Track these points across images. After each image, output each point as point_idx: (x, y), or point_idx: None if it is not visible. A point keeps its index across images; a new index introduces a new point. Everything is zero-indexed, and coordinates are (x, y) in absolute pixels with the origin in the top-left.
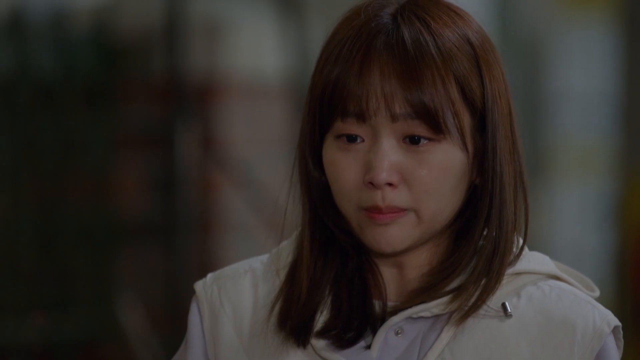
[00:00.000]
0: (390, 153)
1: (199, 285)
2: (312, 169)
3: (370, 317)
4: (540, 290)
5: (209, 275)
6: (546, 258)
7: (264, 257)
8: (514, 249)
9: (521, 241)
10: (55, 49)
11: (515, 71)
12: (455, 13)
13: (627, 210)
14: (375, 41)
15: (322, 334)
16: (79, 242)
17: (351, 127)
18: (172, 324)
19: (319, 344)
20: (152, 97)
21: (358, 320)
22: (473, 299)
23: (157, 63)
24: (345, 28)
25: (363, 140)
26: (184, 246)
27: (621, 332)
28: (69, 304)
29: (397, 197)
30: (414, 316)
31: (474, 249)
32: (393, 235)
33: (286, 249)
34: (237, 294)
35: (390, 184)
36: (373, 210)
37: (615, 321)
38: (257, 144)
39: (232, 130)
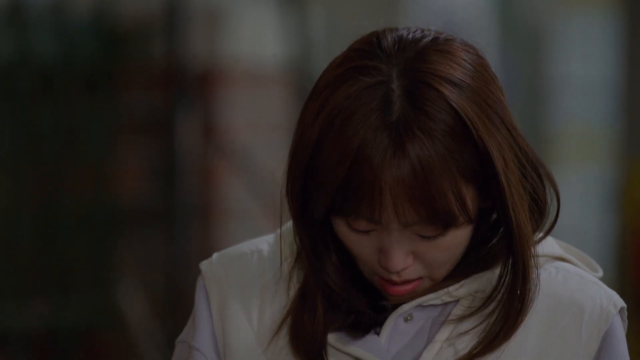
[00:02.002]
0: (404, 244)
1: (205, 265)
2: (317, 233)
3: (381, 308)
4: (546, 273)
5: (215, 255)
6: (550, 239)
7: (270, 238)
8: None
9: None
10: (55, 35)
11: (517, 58)
12: (450, 78)
13: (628, 196)
14: (383, 166)
15: (334, 329)
16: (80, 229)
17: (362, 225)
18: (173, 311)
19: (331, 337)
20: (152, 83)
21: (368, 314)
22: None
23: (158, 50)
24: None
25: (374, 229)
26: (184, 233)
27: (626, 313)
28: (70, 290)
29: (411, 273)
30: (424, 304)
31: (487, 257)
32: (405, 294)
33: (292, 231)
34: (245, 275)
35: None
36: (386, 284)
37: (621, 302)
38: (257, 130)
39: (233, 117)
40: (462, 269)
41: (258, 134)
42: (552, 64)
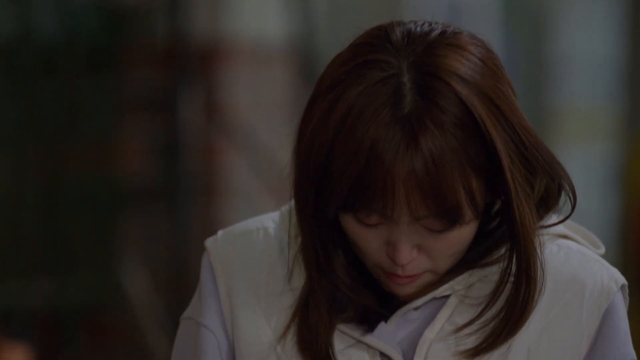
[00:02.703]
0: (411, 237)
1: (210, 242)
2: (325, 225)
3: (390, 304)
4: (548, 250)
5: (220, 232)
6: (553, 217)
7: (275, 215)
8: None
9: (554, 218)
10: (58, 13)
11: (520, 37)
12: (460, 72)
13: (630, 174)
14: (396, 159)
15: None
16: (83, 208)
17: (372, 219)
18: (176, 289)
19: (341, 326)
20: (155, 62)
21: (376, 310)
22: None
23: (161, 27)
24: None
25: (382, 222)
26: (187, 211)
27: (627, 290)
28: (73, 269)
29: (416, 266)
30: (437, 296)
31: (496, 245)
32: (411, 289)
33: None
34: (251, 252)
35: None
36: (392, 276)
37: (622, 279)
38: (260, 108)
39: (236, 95)
40: (466, 261)
41: (261, 112)
42: (555, 44)
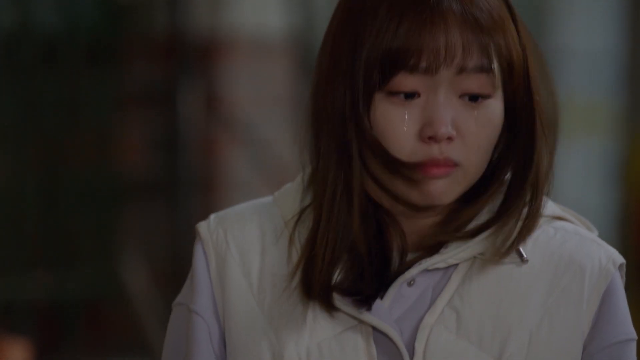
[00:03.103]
0: (450, 108)
1: (202, 227)
2: (368, 125)
3: (387, 271)
4: (545, 233)
5: (212, 217)
6: (548, 200)
7: (267, 200)
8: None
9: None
10: (58, 7)
11: None
12: None
13: (630, 169)
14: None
15: (341, 291)
16: (83, 201)
17: (415, 82)
18: (175, 282)
19: (337, 301)
20: (155, 55)
21: (377, 281)
22: (496, 245)
23: (161, 20)
24: None
25: (419, 96)
26: (187, 204)
27: (624, 269)
28: (73, 262)
29: (453, 150)
30: (430, 268)
31: (492, 193)
32: (444, 188)
33: (291, 194)
34: (244, 237)
35: (448, 138)
36: (429, 164)
37: (620, 258)
38: (260, 102)
39: (236, 89)
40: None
41: (261, 106)
42: (555, 38)
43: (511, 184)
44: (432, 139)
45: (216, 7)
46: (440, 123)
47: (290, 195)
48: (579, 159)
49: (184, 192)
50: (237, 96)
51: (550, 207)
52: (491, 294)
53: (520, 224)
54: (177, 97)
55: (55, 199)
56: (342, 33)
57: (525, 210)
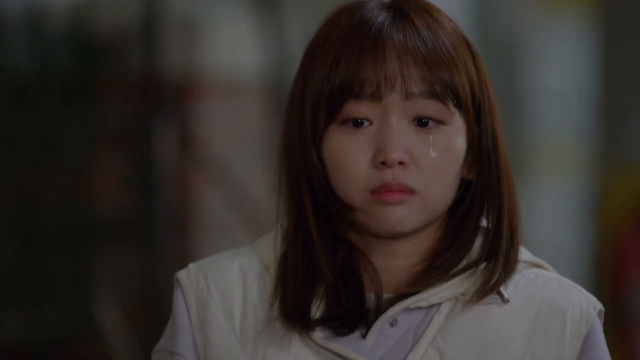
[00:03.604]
0: (402, 134)
1: (182, 275)
2: (316, 159)
3: (365, 309)
4: (525, 278)
5: (191, 265)
6: (522, 248)
7: (245, 250)
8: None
9: (525, 251)
10: (32, 46)
11: (492, 70)
12: (443, 12)
13: (603, 208)
14: (386, 29)
15: (319, 324)
16: (57, 240)
17: (362, 109)
18: (149, 322)
19: (317, 334)
20: (129, 94)
21: (354, 312)
22: (476, 286)
23: (135, 61)
24: (339, 23)
25: (371, 124)
26: (161, 244)
27: (602, 315)
28: (46, 301)
29: (407, 176)
30: (412, 307)
31: (471, 237)
32: (401, 215)
33: (269, 240)
34: (225, 282)
35: (401, 163)
36: (383, 190)
37: (599, 305)
38: (235, 142)
39: (210, 128)
40: (447, 266)
41: (235, 145)
42: (528, 77)
43: (489, 226)
44: (385, 164)
45: (191, 47)
46: (391, 148)
47: (268, 241)
48: (552, 198)
49: (158, 231)
50: (212, 136)
51: (526, 254)
52: (474, 334)
53: (500, 265)
54: (151, 137)
55: (29, 238)
56: (298, 72)
57: (504, 251)
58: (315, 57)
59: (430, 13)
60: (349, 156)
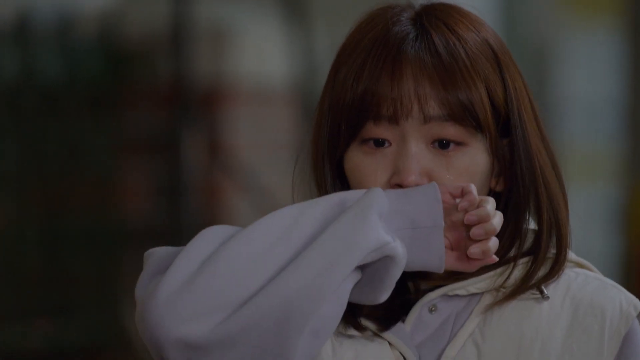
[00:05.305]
0: (419, 156)
1: None
2: (331, 179)
3: (406, 295)
4: (566, 276)
5: None
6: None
7: None
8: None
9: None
10: (61, 55)
11: None
12: (471, 18)
13: (632, 215)
14: (404, 46)
15: (368, 316)
16: (84, 248)
17: (381, 130)
18: None
19: (366, 324)
20: (157, 102)
21: (394, 296)
22: (513, 280)
23: (163, 69)
24: (365, 35)
25: (390, 145)
26: None
27: None
28: (74, 309)
29: None
30: (450, 294)
31: (507, 240)
32: None
33: None
34: None
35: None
36: None
37: None
38: (262, 149)
39: (238, 135)
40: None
41: (263, 152)
42: (557, 84)
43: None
44: (400, 187)
45: (218, 55)
46: (408, 172)
47: None
48: (580, 205)
49: (186, 238)
50: (239, 143)
51: (570, 254)
52: (512, 330)
53: (541, 261)
54: (179, 145)
55: (57, 246)
56: (326, 82)
57: (544, 250)
58: (336, 76)
59: (451, 26)
60: (369, 175)
